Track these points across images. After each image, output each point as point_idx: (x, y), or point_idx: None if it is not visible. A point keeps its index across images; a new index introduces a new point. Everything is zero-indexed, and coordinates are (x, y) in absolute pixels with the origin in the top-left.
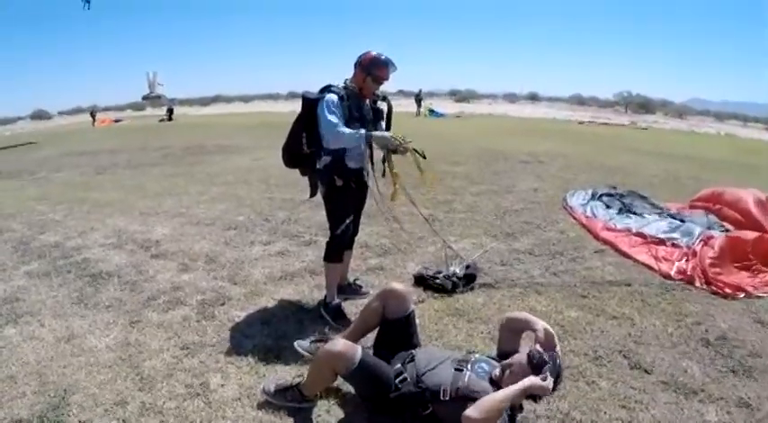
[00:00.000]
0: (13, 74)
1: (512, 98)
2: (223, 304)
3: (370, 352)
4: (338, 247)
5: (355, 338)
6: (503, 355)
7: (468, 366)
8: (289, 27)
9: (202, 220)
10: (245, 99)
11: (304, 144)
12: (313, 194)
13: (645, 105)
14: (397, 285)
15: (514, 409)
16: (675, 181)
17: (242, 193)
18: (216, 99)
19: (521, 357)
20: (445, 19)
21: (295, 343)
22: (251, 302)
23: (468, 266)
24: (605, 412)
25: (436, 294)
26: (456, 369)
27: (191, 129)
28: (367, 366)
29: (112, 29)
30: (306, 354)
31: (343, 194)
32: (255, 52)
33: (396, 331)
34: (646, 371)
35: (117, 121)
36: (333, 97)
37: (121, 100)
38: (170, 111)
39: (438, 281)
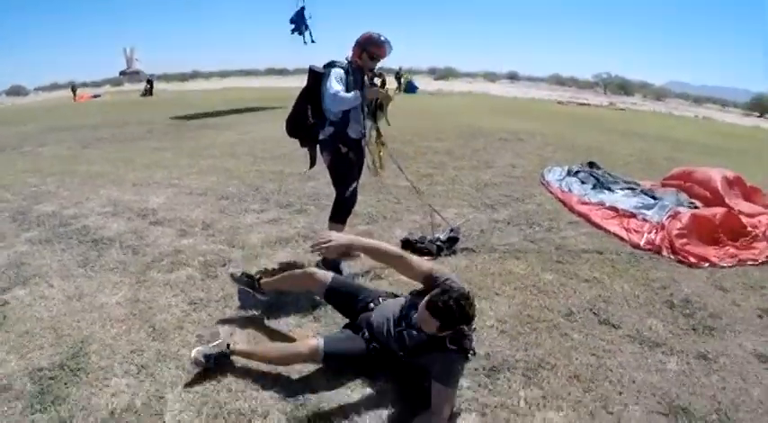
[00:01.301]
0: None
1: (492, 77)
2: (224, 265)
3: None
4: (346, 208)
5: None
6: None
7: (404, 323)
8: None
9: (195, 191)
10: (223, 74)
11: (309, 115)
12: (312, 165)
13: (624, 87)
14: (311, 270)
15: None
16: (649, 161)
17: (230, 165)
18: (194, 75)
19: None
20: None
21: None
22: (250, 263)
23: (452, 230)
24: (576, 358)
25: (423, 258)
26: (397, 332)
27: (172, 104)
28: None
29: (86, 3)
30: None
31: (349, 160)
32: (233, 27)
33: (337, 300)
34: (614, 326)
35: (95, 96)
36: (339, 70)
37: (98, 76)
38: (150, 83)
39: (423, 245)
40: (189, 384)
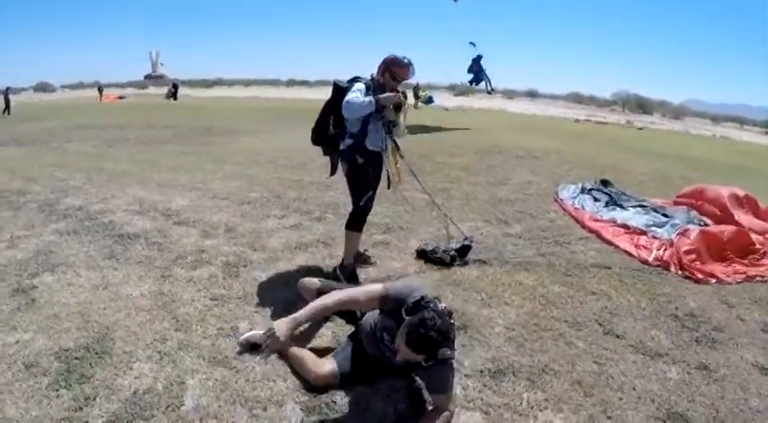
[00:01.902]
0: (16, 45)
1: (511, 94)
2: (245, 266)
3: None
4: (361, 217)
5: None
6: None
7: (381, 346)
8: (289, 16)
9: (218, 195)
10: (246, 83)
11: (330, 125)
12: (333, 173)
13: (642, 105)
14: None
15: None
16: (664, 179)
17: (252, 172)
18: (218, 82)
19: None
20: (446, 12)
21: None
22: (271, 266)
23: (465, 238)
24: (579, 365)
25: (435, 267)
26: (381, 350)
27: (196, 110)
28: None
29: (115, 6)
30: None
31: (365, 171)
32: (257, 38)
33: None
34: (618, 336)
35: (121, 97)
36: (361, 85)
37: (123, 78)
38: (175, 87)
39: (437, 255)
40: (209, 372)
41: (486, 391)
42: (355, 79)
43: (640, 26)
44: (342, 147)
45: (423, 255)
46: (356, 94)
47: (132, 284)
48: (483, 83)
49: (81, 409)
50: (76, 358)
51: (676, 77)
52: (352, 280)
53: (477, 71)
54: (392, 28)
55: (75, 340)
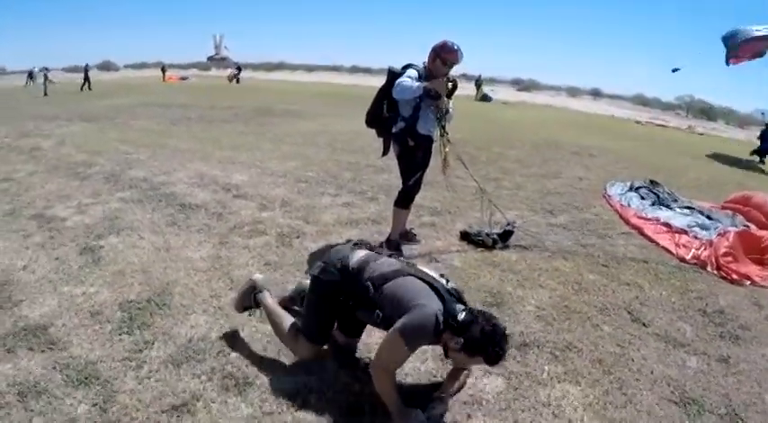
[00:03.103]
0: (83, 24)
1: (574, 92)
2: (298, 237)
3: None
4: (409, 196)
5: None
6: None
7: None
8: (354, 2)
9: (276, 173)
10: (309, 68)
11: (384, 109)
12: (385, 153)
13: (707, 111)
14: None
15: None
16: (718, 185)
17: (310, 153)
18: (280, 66)
19: None
20: (516, 7)
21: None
22: (322, 238)
23: (508, 223)
24: (602, 346)
25: (478, 249)
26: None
27: (258, 92)
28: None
29: None
30: None
31: (414, 154)
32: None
33: None
34: (644, 324)
35: (183, 78)
36: (413, 72)
37: (186, 59)
38: (238, 69)
39: (480, 237)
40: (258, 326)
41: (511, 360)
42: (408, 66)
43: (713, 30)
44: (395, 129)
45: (466, 236)
46: (407, 79)
47: (192, 248)
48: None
49: (141, 351)
50: (138, 308)
51: (746, 86)
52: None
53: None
54: (462, 10)
55: (137, 294)
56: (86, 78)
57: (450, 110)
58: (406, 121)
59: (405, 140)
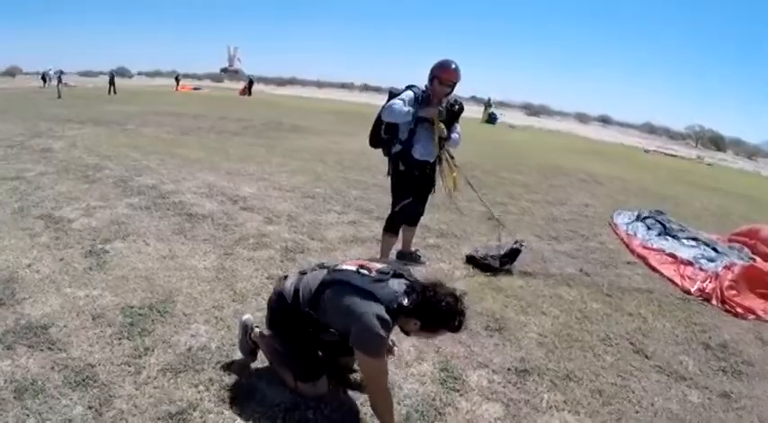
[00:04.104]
0: (96, 31)
1: (583, 118)
2: (302, 252)
3: None
4: (394, 222)
5: None
6: None
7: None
8: (368, 22)
9: (283, 187)
10: (319, 84)
11: (382, 131)
12: (388, 173)
13: (716, 141)
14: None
15: None
16: (724, 216)
17: (318, 169)
18: (291, 81)
19: None
20: (527, 33)
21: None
22: (326, 254)
23: (515, 242)
24: (603, 376)
25: (482, 273)
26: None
27: (269, 105)
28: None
29: None
30: None
31: (405, 179)
32: (334, 40)
33: None
34: (646, 356)
35: (196, 88)
36: (408, 93)
37: (199, 69)
38: (250, 82)
39: (486, 261)
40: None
41: (510, 386)
42: (410, 87)
43: (725, 61)
44: (392, 151)
45: (472, 260)
46: (400, 102)
47: (197, 258)
48: None
49: (140, 357)
50: (140, 314)
51: (758, 118)
52: None
53: None
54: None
55: (139, 299)
56: (112, 83)
57: (455, 135)
58: (402, 144)
59: (396, 164)
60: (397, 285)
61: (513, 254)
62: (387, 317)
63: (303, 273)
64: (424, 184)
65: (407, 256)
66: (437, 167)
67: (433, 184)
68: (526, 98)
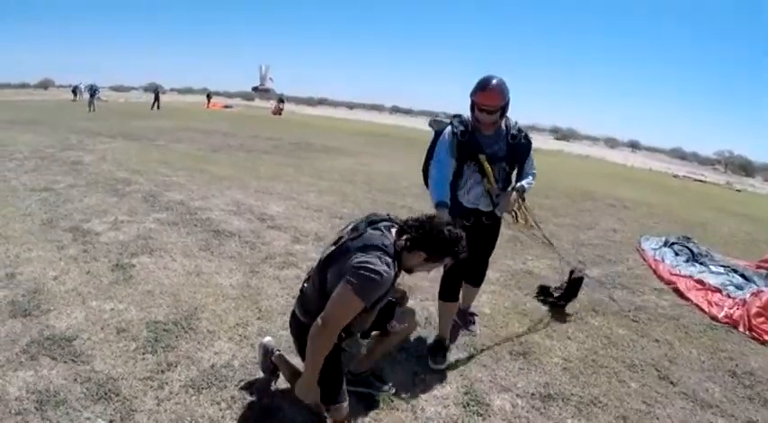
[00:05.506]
0: (131, 46)
1: (612, 143)
2: None
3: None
4: (445, 286)
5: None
6: None
7: None
8: (399, 43)
9: (311, 206)
10: (350, 106)
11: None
12: None
13: (745, 167)
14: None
15: None
16: (752, 243)
17: (347, 190)
18: (322, 101)
19: None
20: (557, 58)
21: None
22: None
23: (572, 272)
24: (628, 403)
25: (542, 303)
26: None
27: (299, 125)
28: None
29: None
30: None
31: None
32: (364, 62)
33: None
34: (672, 383)
35: (227, 106)
36: (446, 133)
37: (231, 87)
38: (281, 101)
39: (552, 299)
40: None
41: (534, 411)
42: (456, 116)
43: (759, 86)
44: None
45: (544, 291)
46: (439, 148)
47: (223, 275)
48: None
49: (163, 372)
50: (164, 330)
51: None
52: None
53: None
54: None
55: (165, 315)
56: (156, 98)
57: (525, 184)
58: (451, 185)
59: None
60: (384, 230)
61: (575, 283)
62: (389, 258)
63: (301, 290)
64: (482, 235)
65: (461, 318)
66: (500, 216)
67: (495, 237)
68: (555, 121)
